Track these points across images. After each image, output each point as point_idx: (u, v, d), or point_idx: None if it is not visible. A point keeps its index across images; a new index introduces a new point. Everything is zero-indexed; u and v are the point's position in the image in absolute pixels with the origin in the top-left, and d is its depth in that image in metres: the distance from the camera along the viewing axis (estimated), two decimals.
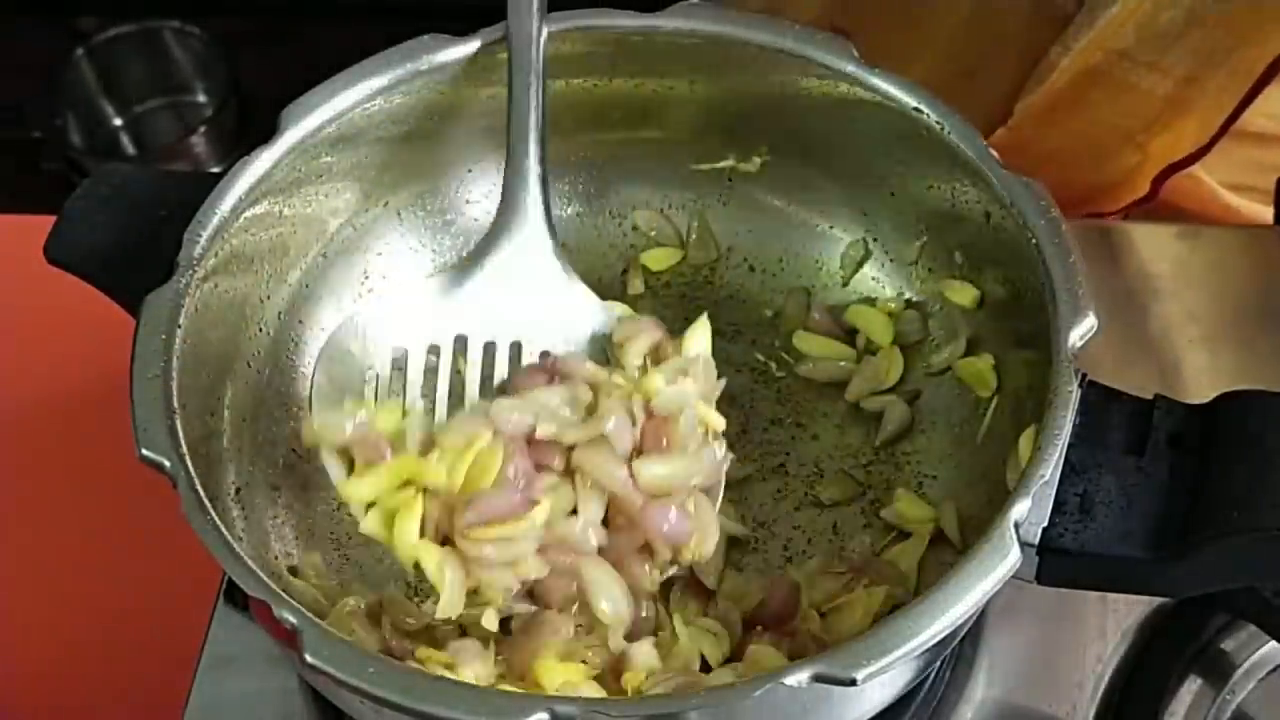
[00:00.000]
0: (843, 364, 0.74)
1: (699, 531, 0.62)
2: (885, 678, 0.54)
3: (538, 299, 0.68)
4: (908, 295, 0.75)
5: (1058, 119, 0.88)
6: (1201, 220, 0.94)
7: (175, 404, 0.60)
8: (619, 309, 0.70)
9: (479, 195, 0.78)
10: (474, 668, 0.61)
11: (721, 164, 0.78)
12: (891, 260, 0.76)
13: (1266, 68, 0.83)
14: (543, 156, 0.68)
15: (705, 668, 0.63)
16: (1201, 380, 0.79)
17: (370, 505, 0.62)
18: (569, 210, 0.79)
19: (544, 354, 0.67)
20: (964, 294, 0.71)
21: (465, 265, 0.69)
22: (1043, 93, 0.87)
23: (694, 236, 0.78)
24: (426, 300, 0.69)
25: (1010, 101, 0.89)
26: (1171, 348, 0.81)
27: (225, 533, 0.57)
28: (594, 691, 0.60)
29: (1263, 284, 0.84)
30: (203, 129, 1.78)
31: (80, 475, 0.89)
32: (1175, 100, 0.85)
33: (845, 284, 0.76)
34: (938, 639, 0.54)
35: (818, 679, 0.52)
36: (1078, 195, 0.91)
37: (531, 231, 0.68)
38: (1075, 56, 0.85)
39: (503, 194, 0.69)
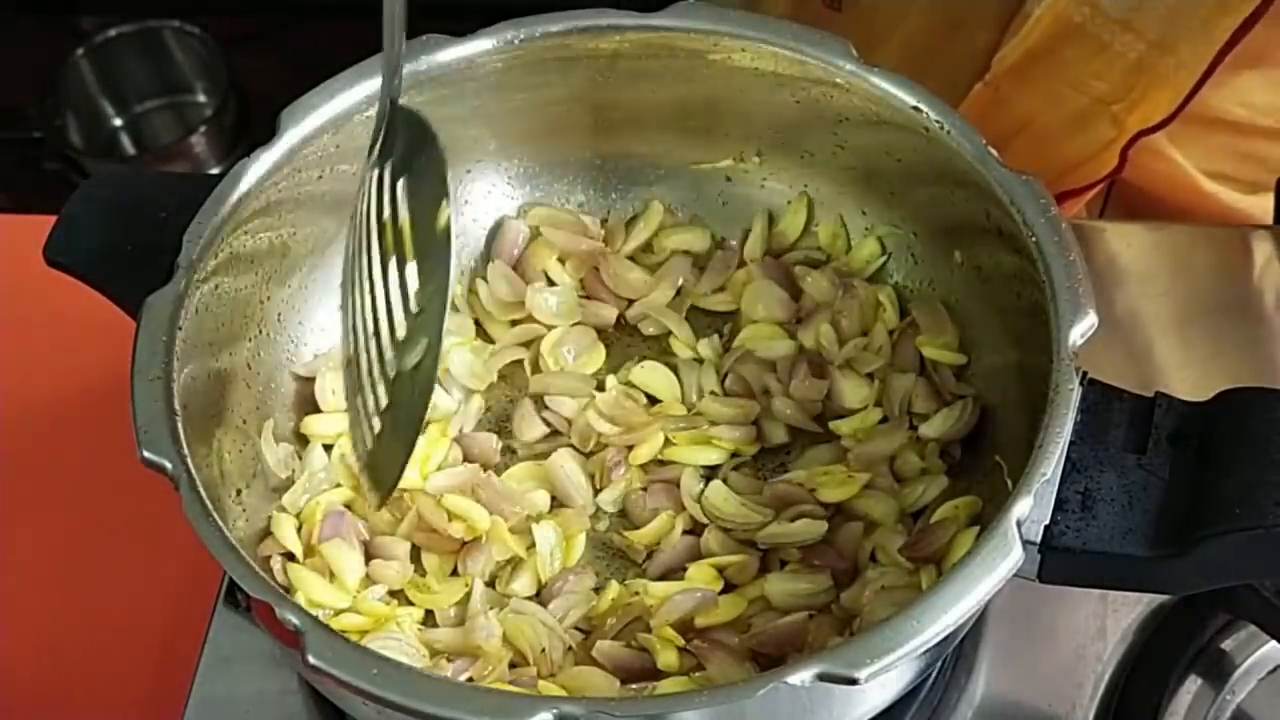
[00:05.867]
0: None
1: None
2: (887, 677, 0.54)
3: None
4: (907, 291, 0.75)
5: (1033, 76, 0.87)
6: (1177, 205, 0.94)
7: (176, 406, 0.60)
8: None
9: (478, 195, 0.78)
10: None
11: (721, 164, 0.78)
12: (891, 258, 0.76)
13: (1231, 35, 0.83)
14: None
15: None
16: (1184, 377, 0.79)
17: None
18: (569, 208, 0.79)
19: None
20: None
21: None
22: (1017, 46, 0.87)
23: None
24: None
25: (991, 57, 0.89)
26: (1149, 344, 0.81)
27: (227, 534, 0.57)
28: None
29: (1239, 282, 0.84)
30: (203, 129, 1.78)
31: (81, 476, 0.89)
32: (1148, 66, 0.85)
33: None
34: (940, 637, 0.54)
35: (821, 678, 0.52)
36: (1054, 170, 0.91)
37: None
38: (1049, 7, 0.85)
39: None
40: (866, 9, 0.91)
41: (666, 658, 0.63)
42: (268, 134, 0.68)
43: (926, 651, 0.54)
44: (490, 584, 0.68)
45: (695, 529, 0.69)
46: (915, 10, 0.91)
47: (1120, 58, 0.85)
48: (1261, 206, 0.94)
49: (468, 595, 0.67)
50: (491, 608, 0.66)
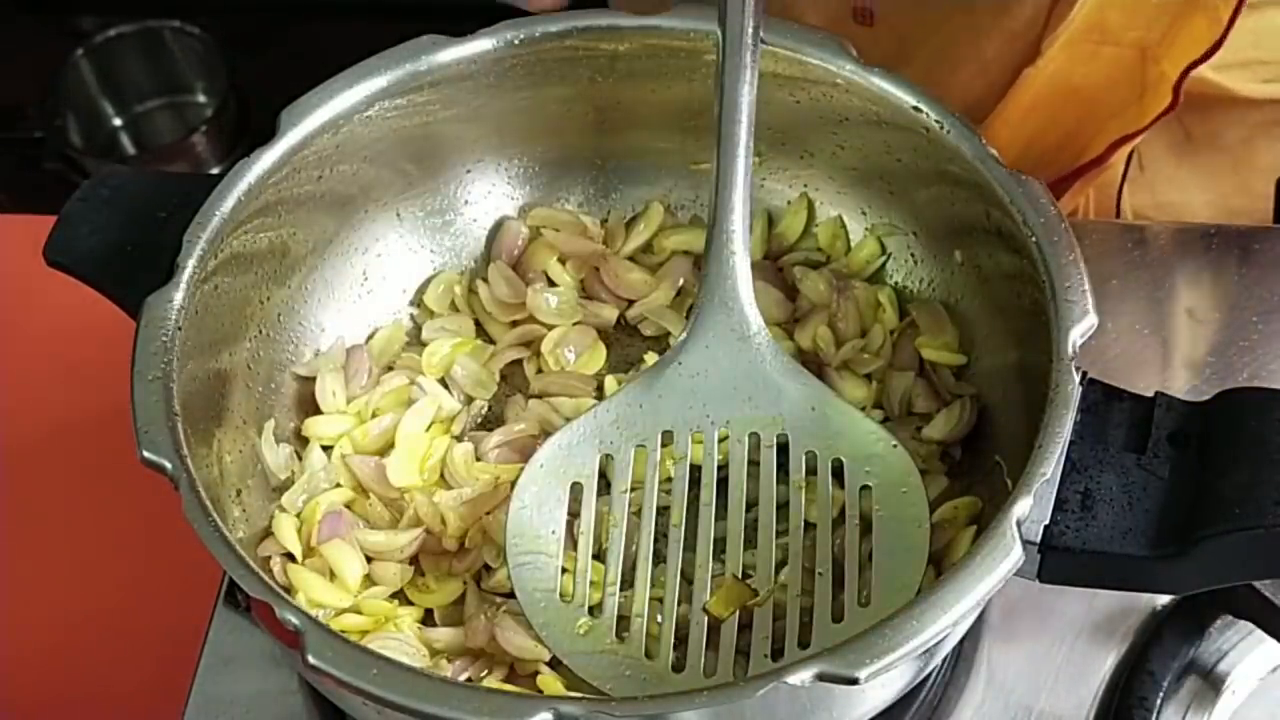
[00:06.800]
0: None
1: None
2: (887, 676, 0.54)
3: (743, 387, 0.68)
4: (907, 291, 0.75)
5: (1080, 49, 0.88)
6: (1204, 104, 0.93)
7: (176, 406, 0.60)
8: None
9: (478, 195, 0.78)
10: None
11: None
12: (891, 258, 0.76)
13: None
14: (747, 229, 0.67)
15: None
16: (1184, 377, 0.79)
17: None
18: (569, 208, 0.79)
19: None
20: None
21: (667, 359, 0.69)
22: (1065, 28, 0.87)
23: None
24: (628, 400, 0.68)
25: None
26: (1149, 344, 0.81)
27: (227, 534, 0.57)
28: None
29: (1240, 281, 0.84)
30: (203, 129, 1.78)
31: (80, 477, 0.89)
32: (1182, 1, 0.85)
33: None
34: (940, 636, 0.54)
35: (821, 678, 0.52)
36: (1103, 120, 0.91)
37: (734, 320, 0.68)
38: None
39: (704, 276, 0.68)
40: (899, 24, 0.91)
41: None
42: (268, 134, 0.68)
43: (926, 651, 0.54)
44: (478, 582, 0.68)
45: None
46: (947, 22, 0.91)
47: (1149, 3, 0.85)
48: None
49: (464, 595, 0.67)
50: (485, 606, 0.66)
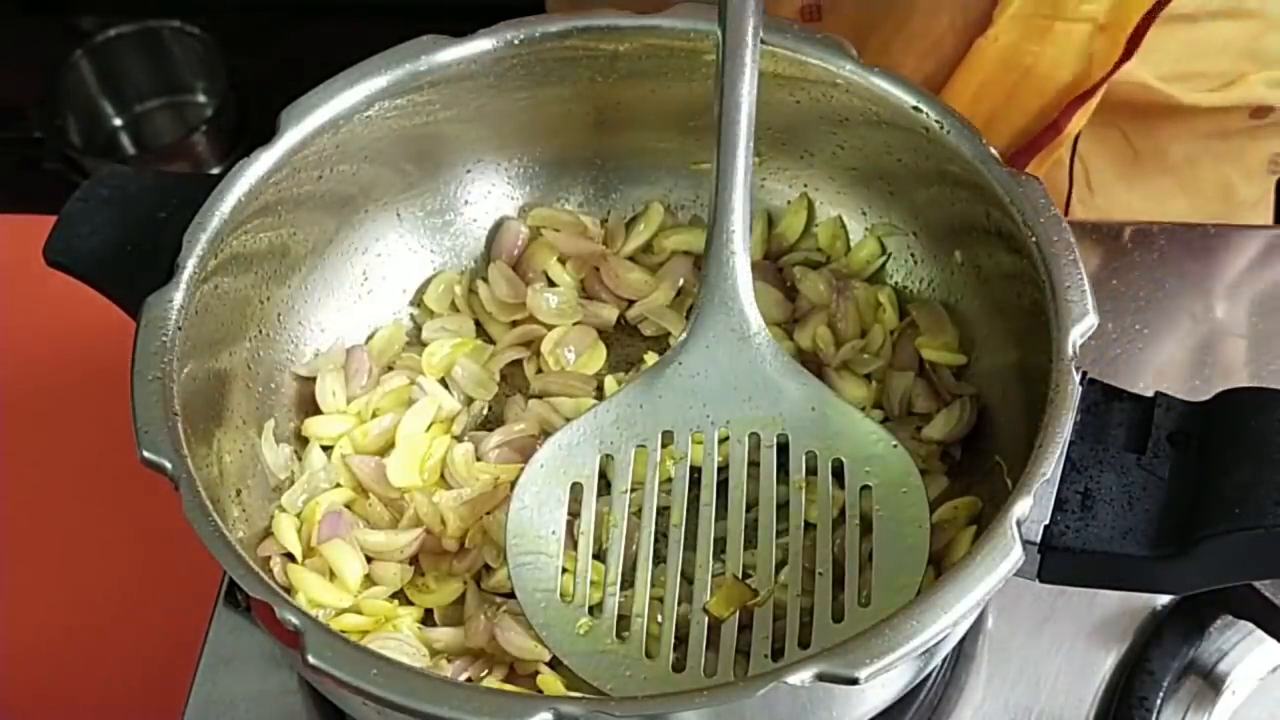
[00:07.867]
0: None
1: None
2: (887, 676, 0.54)
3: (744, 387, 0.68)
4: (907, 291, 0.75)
5: (1036, 25, 0.88)
6: (1148, 114, 0.93)
7: (176, 406, 0.60)
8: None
9: (477, 196, 0.78)
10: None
11: None
12: (891, 258, 0.76)
13: None
14: (747, 229, 0.68)
15: None
16: (1185, 377, 0.80)
17: None
18: (569, 208, 0.79)
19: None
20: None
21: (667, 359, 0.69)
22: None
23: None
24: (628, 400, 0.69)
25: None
26: (1150, 344, 0.81)
27: (227, 534, 0.57)
28: None
29: (1239, 281, 0.84)
30: (203, 129, 1.78)
31: (81, 476, 0.89)
32: None
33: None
34: (940, 637, 0.54)
35: (821, 678, 0.52)
36: (1060, 88, 0.91)
37: (734, 321, 0.68)
38: None
39: (704, 276, 0.69)
40: (848, 13, 0.92)
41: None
42: (268, 134, 0.68)
43: (926, 651, 0.54)
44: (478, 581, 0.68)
45: None
46: (897, 3, 0.91)
47: None
48: (1236, 97, 0.93)
49: (464, 595, 0.68)
50: (485, 606, 0.66)
